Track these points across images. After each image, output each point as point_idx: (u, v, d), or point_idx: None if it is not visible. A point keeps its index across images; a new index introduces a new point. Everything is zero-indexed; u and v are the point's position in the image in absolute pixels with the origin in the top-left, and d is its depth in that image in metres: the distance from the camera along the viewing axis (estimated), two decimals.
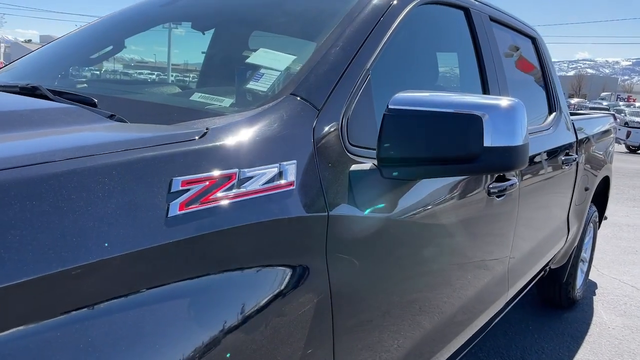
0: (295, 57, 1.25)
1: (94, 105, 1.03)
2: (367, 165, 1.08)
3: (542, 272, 2.65)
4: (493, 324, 1.99)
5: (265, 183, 0.86)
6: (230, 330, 0.78)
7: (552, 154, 2.30)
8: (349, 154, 1.07)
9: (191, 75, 1.92)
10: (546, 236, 2.39)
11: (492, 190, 1.62)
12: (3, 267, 0.58)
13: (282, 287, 0.88)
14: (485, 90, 1.78)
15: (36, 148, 0.70)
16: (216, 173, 0.80)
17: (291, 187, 0.91)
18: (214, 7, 1.69)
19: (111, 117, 0.97)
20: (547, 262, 2.58)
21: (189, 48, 1.84)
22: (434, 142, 1.01)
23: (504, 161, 1.01)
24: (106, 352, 0.64)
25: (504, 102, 1.02)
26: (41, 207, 0.62)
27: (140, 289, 0.69)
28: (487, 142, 0.99)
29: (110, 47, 1.81)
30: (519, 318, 3.05)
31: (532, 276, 2.37)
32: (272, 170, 0.88)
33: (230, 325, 0.78)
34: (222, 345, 0.76)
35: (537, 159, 2.11)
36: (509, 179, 1.72)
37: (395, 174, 1.05)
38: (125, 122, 0.96)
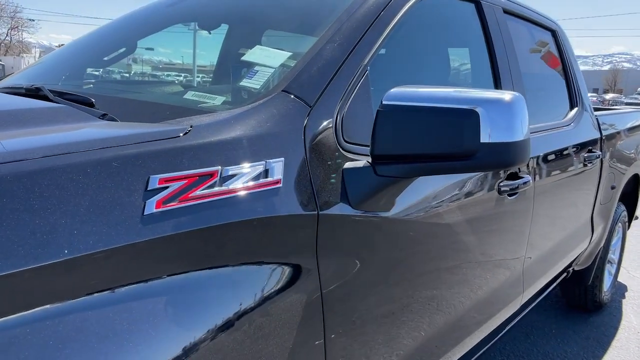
0: (290, 53, 1.23)
1: (91, 105, 1.04)
2: (362, 162, 1.05)
3: (565, 274, 2.56)
4: (509, 326, 1.93)
5: (250, 181, 0.85)
6: (212, 331, 0.77)
7: (573, 150, 2.22)
8: (343, 151, 1.05)
9: (190, 75, 1.93)
10: (567, 236, 2.30)
11: (502, 189, 1.57)
12: None
13: (268, 286, 0.87)
14: (498, 87, 1.72)
15: (12, 146, 0.71)
16: (197, 171, 0.79)
17: (278, 185, 0.89)
18: (208, 6, 1.69)
19: (103, 116, 0.97)
20: (569, 263, 2.49)
21: (191, 48, 1.85)
22: (429, 138, 0.98)
23: (502, 158, 0.96)
24: (78, 351, 0.63)
25: (502, 95, 0.97)
26: (12, 204, 0.63)
27: (114, 288, 0.69)
28: (485, 138, 0.95)
29: (123, 49, 1.84)
30: (542, 321, 2.96)
31: (551, 277, 2.29)
32: (258, 167, 0.87)
33: (211, 327, 0.77)
34: (201, 347, 0.75)
35: (555, 156, 2.03)
36: (521, 177, 1.65)
37: (389, 171, 1.02)
38: (116, 120, 0.97)
